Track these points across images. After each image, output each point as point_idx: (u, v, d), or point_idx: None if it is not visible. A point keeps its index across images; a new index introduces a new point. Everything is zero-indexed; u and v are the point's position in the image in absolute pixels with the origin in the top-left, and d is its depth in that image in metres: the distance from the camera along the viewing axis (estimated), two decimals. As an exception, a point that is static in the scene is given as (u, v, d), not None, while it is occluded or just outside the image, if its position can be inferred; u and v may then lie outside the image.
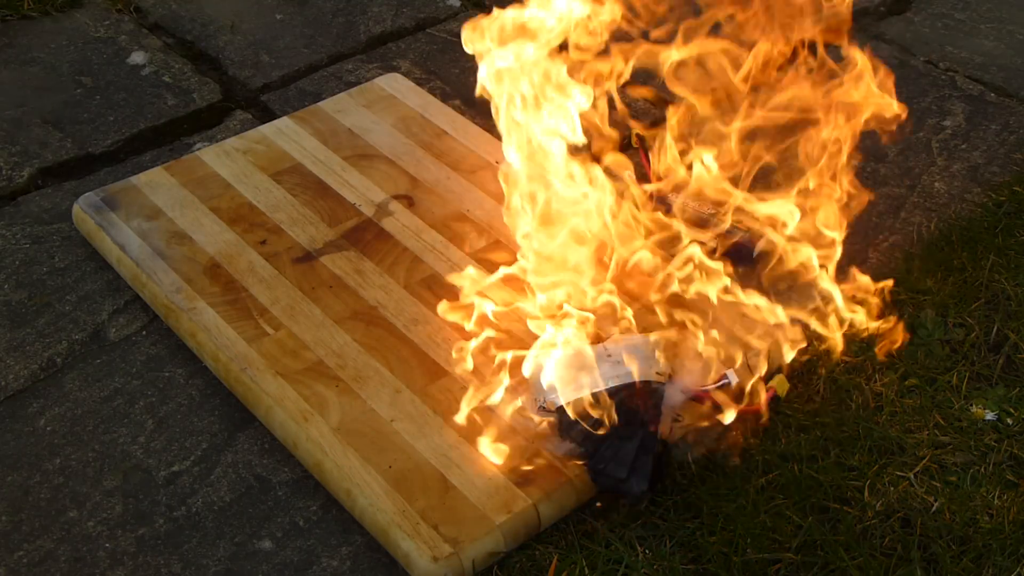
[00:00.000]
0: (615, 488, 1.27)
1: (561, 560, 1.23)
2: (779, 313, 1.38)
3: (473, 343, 1.41)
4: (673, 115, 1.45)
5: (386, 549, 1.25)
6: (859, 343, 1.47)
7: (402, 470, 1.29)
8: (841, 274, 1.44)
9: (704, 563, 1.23)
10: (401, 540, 1.23)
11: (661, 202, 1.62)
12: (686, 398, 1.33)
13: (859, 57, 1.43)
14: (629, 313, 1.41)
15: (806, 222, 1.43)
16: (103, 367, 1.48)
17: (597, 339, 1.37)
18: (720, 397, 1.34)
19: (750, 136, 1.45)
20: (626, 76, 1.46)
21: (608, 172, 1.47)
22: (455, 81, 2.02)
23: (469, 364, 1.40)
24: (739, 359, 1.36)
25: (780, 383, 1.38)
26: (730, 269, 1.42)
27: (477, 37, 1.43)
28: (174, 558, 1.26)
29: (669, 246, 1.50)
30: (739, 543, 1.24)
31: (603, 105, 1.46)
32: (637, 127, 1.61)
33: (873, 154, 1.87)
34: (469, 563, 1.21)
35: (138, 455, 1.37)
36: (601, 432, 1.26)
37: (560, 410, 1.28)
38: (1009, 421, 1.40)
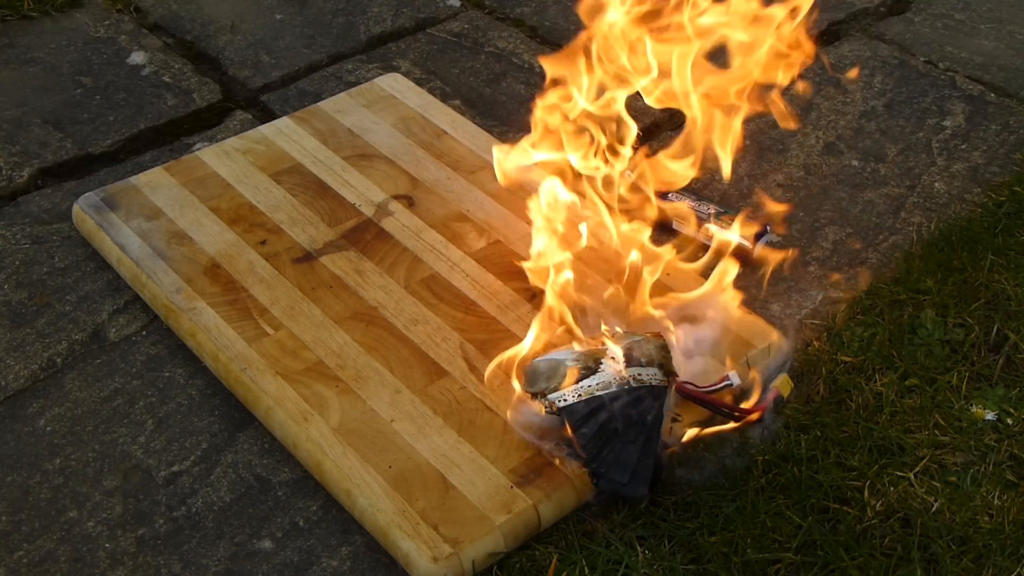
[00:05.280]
0: (616, 492, 1.27)
1: (561, 560, 1.23)
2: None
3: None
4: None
5: (386, 549, 1.25)
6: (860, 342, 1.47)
7: (402, 470, 1.29)
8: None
9: (704, 563, 1.23)
10: (401, 540, 1.23)
11: (663, 196, 1.65)
12: (687, 399, 1.33)
13: None
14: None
15: None
16: (103, 367, 1.48)
17: (600, 340, 1.37)
18: (723, 398, 1.34)
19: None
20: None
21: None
22: (455, 81, 2.02)
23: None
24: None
25: (784, 383, 1.38)
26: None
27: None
28: (174, 558, 1.26)
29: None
30: (739, 543, 1.24)
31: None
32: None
33: (873, 154, 1.87)
34: (469, 563, 1.21)
35: (138, 455, 1.37)
36: (603, 435, 1.26)
37: (562, 411, 1.28)
38: (1009, 421, 1.39)
